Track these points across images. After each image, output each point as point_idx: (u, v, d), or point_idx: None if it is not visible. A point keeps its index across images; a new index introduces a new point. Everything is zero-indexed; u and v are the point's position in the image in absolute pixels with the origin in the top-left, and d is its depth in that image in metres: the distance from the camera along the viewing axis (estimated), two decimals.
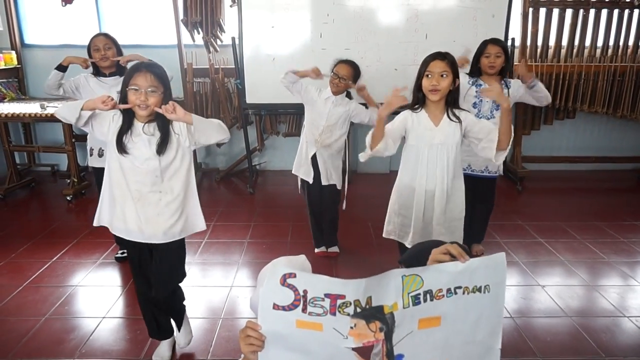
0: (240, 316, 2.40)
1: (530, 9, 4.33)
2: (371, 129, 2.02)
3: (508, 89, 2.73)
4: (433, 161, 2.00)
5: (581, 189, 4.50)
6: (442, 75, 1.90)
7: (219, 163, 4.94)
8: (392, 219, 2.20)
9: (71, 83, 2.78)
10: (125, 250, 2.96)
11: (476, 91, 2.72)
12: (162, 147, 1.79)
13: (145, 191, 1.82)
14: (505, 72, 2.76)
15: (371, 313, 0.99)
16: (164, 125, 1.81)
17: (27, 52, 4.72)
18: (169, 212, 1.86)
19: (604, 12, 4.37)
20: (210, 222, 3.53)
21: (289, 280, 0.97)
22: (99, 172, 2.74)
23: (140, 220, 1.84)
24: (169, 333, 2.11)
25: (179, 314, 2.13)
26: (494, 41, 2.71)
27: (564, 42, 4.47)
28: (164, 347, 2.11)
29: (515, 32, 4.29)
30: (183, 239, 1.96)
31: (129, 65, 2.41)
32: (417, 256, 1.15)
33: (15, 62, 4.58)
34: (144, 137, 1.80)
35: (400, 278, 1.00)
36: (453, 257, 1.04)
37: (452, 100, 2.00)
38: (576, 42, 4.45)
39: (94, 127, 1.85)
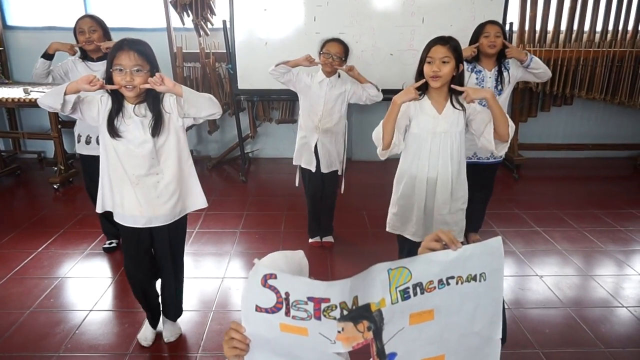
0: (233, 309, 2.34)
1: None
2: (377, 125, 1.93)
3: (507, 70, 2.66)
4: (436, 150, 1.91)
5: (578, 177, 4.46)
6: (443, 61, 1.79)
7: (210, 151, 4.83)
8: (393, 210, 2.09)
9: (59, 69, 2.67)
10: (113, 241, 2.88)
11: (476, 78, 2.65)
12: (156, 128, 1.75)
13: (142, 174, 1.78)
14: (504, 57, 2.67)
15: (358, 313, 0.92)
16: (155, 106, 1.75)
17: (10, 34, 4.55)
18: (168, 194, 1.83)
19: None
20: (201, 212, 3.45)
21: (270, 282, 0.89)
22: (86, 159, 2.71)
23: (141, 204, 1.81)
24: (156, 320, 2.11)
25: (175, 313, 2.13)
26: (493, 22, 2.65)
27: (563, 26, 4.38)
28: (149, 329, 2.10)
29: (513, 16, 4.20)
30: (184, 217, 1.95)
31: None
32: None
33: None
34: (135, 119, 1.74)
35: (386, 272, 0.92)
36: (445, 246, 0.96)
37: (453, 88, 1.88)
38: (575, 27, 4.37)
39: (83, 112, 1.78)
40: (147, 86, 1.65)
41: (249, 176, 4.36)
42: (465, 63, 2.34)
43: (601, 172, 4.57)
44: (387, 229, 2.12)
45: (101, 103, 1.76)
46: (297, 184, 2.92)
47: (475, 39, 2.66)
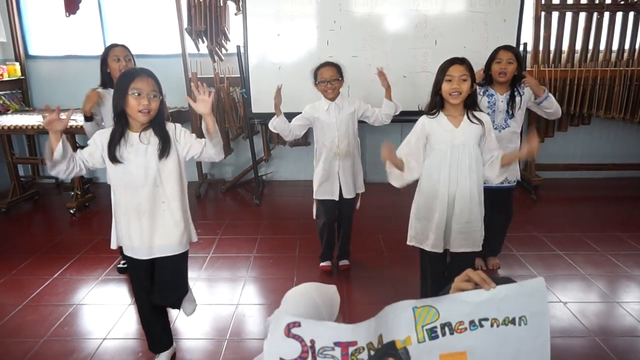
0: (247, 337, 2.29)
1: (543, 13, 4.22)
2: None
3: (521, 96, 2.63)
4: (456, 162, 2.01)
5: (598, 198, 4.35)
6: (462, 79, 1.96)
7: (224, 174, 4.85)
8: (413, 224, 2.19)
9: (102, 110, 2.65)
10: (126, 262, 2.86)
11: (488, 102, 2.61)
12: (164, 151, 1.76)
13: (149, 204, 1.78)
14: (517, 82, 2.62)
15: (384, 351, 0.88)
16: (161, 130, 1.78)
17: (31, 63, 4.68)
18: (174, 222, 1.83)
19: (619, 15, 4.24)
20: (215, 236, 3.43)
21: (294, 331, 0.86)
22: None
23: (146, 234, 1.80)
24: (167, 345, 2.08)
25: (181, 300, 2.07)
26: (507, 47, 2.60)
27: (578, 46, 4.34)
28: (162, 358, 2.06)
29: (527, 37, 4.18)
30: (186, 255, 1.93)
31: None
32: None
33: (19, 73, 4.54)
34: (139, 147, 1.76)
35: (411, 310, 0.89)
36: (476, 285, 0.92)
37: (471, 103, 2.04)
38: (590, 46, 4.33)
39: (87, 163, 1.81)
40: (192, 102, 1.80)
41: (263, 199, 4.35)
42: (477, 87, 2.46)
43: (622, 193, 4.45)
44: (408, 242, 2.20)
45: (97, 144, 1.78)
46: (315, 217, 2.84)
47: (489, 64, 2.63)
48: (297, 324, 0.85)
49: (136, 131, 1.77)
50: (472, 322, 0.90)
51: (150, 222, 1.79)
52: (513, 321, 0.91)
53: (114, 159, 1.74)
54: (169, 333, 2.09)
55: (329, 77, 2.52)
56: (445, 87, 1.97)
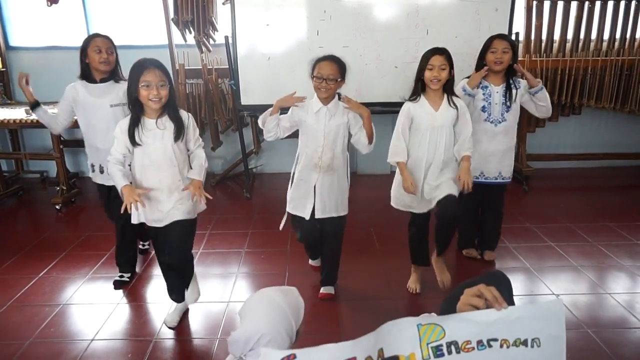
0: None
1: (535, 2, 4.18)
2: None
3: (517, 89, 2.59)
4: (434, 140, 2.33)
5: (589, 188, 4.37)
6: (442, 68, 2.24)
7: (214, 167, 4.77)
8: (394, 189, 2.50)
9: (66, 103, 2.52)
10: (124, 275, 2.72)
11: (483, 93, 2.58)
12: (179, 135, 2.03)
13: (167, 181, 2.05)
14: (513, 72, 2.58)
15: None
16: (175, 115, 2.04)
17: (12, 54, 4.54)
18: (186, 195, 2.08)
19: (610, 4, 4.22)
20: (205, 231, 3.38)
21: None
22: (102, 187, 2.65)
23: (164, 206, 2.07)
24: (180, 298, 2.32)
25: (189, 278, 2.33)
26: (501, 36, 2.56)
27: (569, 35, 4.32)
28: (174, 312, 2.33)
29: (519, 27, 4.14)
30: (194, 221, 2.22)
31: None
32: (449, 304, 1.01)
33: (0, 65, 4.41)
34: (157, 132, 2.01)
35: (415, 327, 0.85)
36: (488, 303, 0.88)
37: (449, 88, 2.32)
38: (582, 36, 4.30)
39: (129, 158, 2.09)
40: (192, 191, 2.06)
41: (254, 192, 4.30)
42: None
43: (613, 182, 4.47)
44: (392, 204, 2.51)
45: (121, 131, 2.03)
46: (280, 228, 2.44)
47: (483, 53, 2.58)
48: (291, 357, 0.81)
49: (152, 117, 2.01)
50: (480, 342, 0.86)
51: (168, 196, 2.06)
52: (525, 342, 0.86)
53: (133, 142, 1.99)
54: (181, 288, 2.33)
55: (326, 75, 2.13)
56: (427, 74, 2.26)
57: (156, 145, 2.01)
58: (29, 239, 3.34)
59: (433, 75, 2.24)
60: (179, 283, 2.31)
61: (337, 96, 2.25)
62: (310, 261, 2.77)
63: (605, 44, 4.34)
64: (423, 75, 2.27)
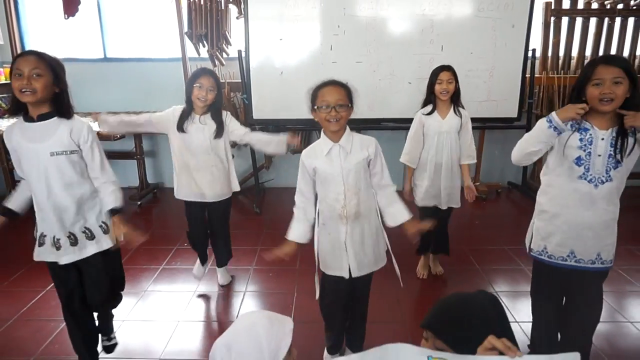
0: None
1: (552, 18, 4.12)
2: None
3: (635, 134, 1.69)
4: (441, 144, 2.66)
5: None
6: (449, 82, 2.57)
7: None
8: (415, 185, 2.81)
9: (14, 157, 1.79)
10: (114, 337, 2.21)
11: (580, 139, 1.73)
12: (218, 134, 2.50)
13: (202, 165, 2.51)
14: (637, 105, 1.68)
15: None
16: (217, 116, 2.49)
17: None
18: (221, 178, 2.58)
19: (631, 20, 4.14)
20: None
21: None
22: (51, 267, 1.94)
23: (200, 185, 2.54)
24: (205, 260, 2.89)
25: (225, 255, 2.86)
26: (610, 60, 1.66)
27: (588, 52, 4.24)
28: (200, 268, 2.88)
29: (536, 43, 4.08)
30: (230, 199, 2.71)
31: None
32: (440, 317, 1.05)
33: None
34: (199, 126, 2.47)
35: (425, 358, 0.84)
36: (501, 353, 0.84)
37: (455, 99, 2.64)
38: (601, 52, 4.22)
39: (155, 123, 2.55)
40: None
41: (263, 207, 4.26)
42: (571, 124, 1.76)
43: (634, 203, 4.33)
44: (418, 203, 2.78)
45: (171, 113, 2.52)
46: (317, 297, 2.01)
47: (581, 85, 1.70)
48: None
49: (198, 114, 2.47)
50: None
51: (202, 177, 2.52)
52: None
53: (180, 128, 2.45)
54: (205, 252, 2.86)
55: (334, 101, 1.73)
56: (437, 87, 2.59)
57: (197, 136, 2.46)
58: None
59: (442, 88, 2.58)
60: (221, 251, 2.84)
61: (347, 127, 1.84)
62: (330, 359, 2.13)
63: None
64: (433, 89, 2.61)
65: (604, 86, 1.62)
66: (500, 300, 1.10)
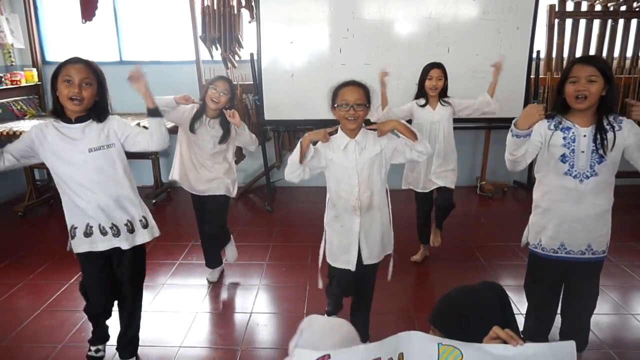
0: (261, 346, 2.31)
1: (556, 20, 4.20)
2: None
3: (614, 130, 1.77)
4: (434, 133, 2.88)
5: (612, 206, 4.30)
6: (439, 79, 2.80)
7: None
8: (405, 173, 3.07)
9: (21, 143, 1.83)
10: (99, 347, 2.19)
11: (564, 138, 1.81)
12: (223, 139, 2.61)
13: (208, 162, 2.66)
14: (607, 109, 1.79)
15: None
16: (224, 122, 2.58)
17: (48, 69, 4.75)
18: (221, 174, 2.67)
19: (634, 21, 4.21)
20: None
21: None
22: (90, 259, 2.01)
23: (202, 179, 2.67)
24: (218, 263, 3.00)
25: (225, 242, 2.99)
26: (586, 60, 1.78)
27: (591, 53, 4.31)
28: (215, 272, 2.98)
29: (540, 45, 4.16)
30: (226, 197, 2.75)
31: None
32: (446, 314, 1.09)
33: (36, 79, 4.63)
34: (207, 128, 2.58)
35: (436, 345, 0.92)
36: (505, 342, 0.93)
37: (443, 93, 2.87)
38: (604, 53, 4.30)
39: (172, 115, 2.52)
40: (225, 114, 2.54)
41: (275, 205, 4.38)
42: (545, 121, 1.86)
43: (635, 201, 4.40)
44: (402, 186, 3.06)
45: (187, 109, 2.58)
46: (320, 286, 2.21)
47: (561, 85, 1.80)
48: (326, 357, 0.88)
49: (209, 116, 2.57)
50: None
51: (206, 173, 2.65)
52: None
53: (191, 128, 2.55)
54: (218, 257, 3.00)
55: (353, 100, 1.85)
56: (427, 83, 2.82)
57: (205, 137, 2.58)
58: (61, 245, 3.43)
59: (432, 84, 2.80)
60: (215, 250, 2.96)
61: (363, 126, 1.97)
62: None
63: (628, 62, 4.32)
64: (424, 84, 2.84)
65: (579, 83, 1.71)
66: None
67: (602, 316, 2.51)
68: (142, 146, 1.91)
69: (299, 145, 1.88)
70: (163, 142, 1.91)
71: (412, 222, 3.16)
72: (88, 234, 1.91)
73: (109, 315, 2.13)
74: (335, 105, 1.90)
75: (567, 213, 1.88)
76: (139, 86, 1.88)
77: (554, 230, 1.91)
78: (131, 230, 1.95)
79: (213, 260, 2.98)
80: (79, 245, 1.94)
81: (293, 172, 1.91)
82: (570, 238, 1.91)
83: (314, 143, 1.93)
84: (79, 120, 1.82)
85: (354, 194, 1.94)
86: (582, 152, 1.79)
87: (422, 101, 2.90)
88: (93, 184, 1.84)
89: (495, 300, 1.09)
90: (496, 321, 0.98)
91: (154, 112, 1.90)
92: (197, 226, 2.90)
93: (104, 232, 1.91)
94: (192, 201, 2.82)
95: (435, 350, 0.91)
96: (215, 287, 2.89)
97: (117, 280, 2.05)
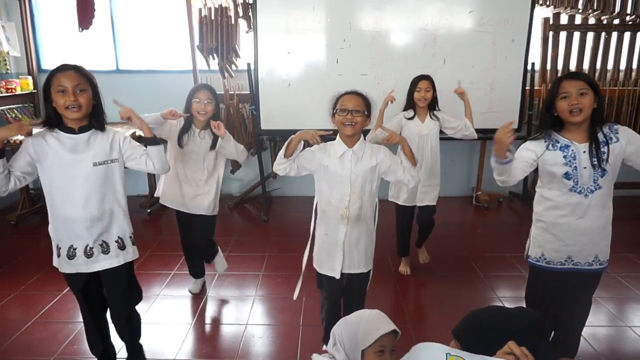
0: (257, 359, 2.28)
1: (551, 33, 4.25)
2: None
3: (609, 142, 1.79)
4: (422, 146, 2.90)
5: None
6: (427, 90, 2.84)
7: (232, 189, 4.87)
8: (390, 187, 3.04)
9: (22, 161, 1.77)
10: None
11: (564, 156, 1.82)
12: (214, 145, 2.55)
13: (197, 175, 2.59)
14: (599, 121, 1.81)
15: None
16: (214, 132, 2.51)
17: (44, 77, 4.67)
18: (209, 191, 2.62)
19: (627, 35, 4.27)
20: (223, 253, 3.42)
21: None
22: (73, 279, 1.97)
23: (189, 196, 2.60)
24: (200, 274, 2.93)
25: (212, 256, 2.95)
26: (574, 75, 1.83)
27: (586, 65, 4.37)
28: (197, 283, 2.92)
29: (535, 57, 4.20)
30: (213, 217, 2.72)
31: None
32: (471, 329, 1.07)
33: (31, 87, 4.61)
34: (197, 140, 2.55)
35: (444, 355, 0.90)
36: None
37: (432, 106, 2.91)
38: (598, 66, 4.35)
39: (159, 130, 2.44)
40: (212, 125, 2.48)
41: (271, 215, 4.36)
42: (542, 141, 1.89)
43: (630, 212, 4.43)
44: (389, 198, 3.05)
45: (173, 124, 2.53)
46: (295, 297, 2.22)
47: (549, 102, 1.83)
48: None
49: (199, 127, 2.54)
50: None
51: (188, 188, 2.60)
52: None
53: (179, 142, 2.51)
54: (202, 267, 2.95)
55: (352, 106, 1.89)
56: (416, 95, 2.86)
57: (195, 150, 2.55)
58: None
59: (421, 95, 2.85)
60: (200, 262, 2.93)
61: (362, 136, 1.99)
62: (324, 347, 2.21)
63: (622, 74, 4.37)
64: (413, 96, 2.87)
65: (571, 98, 1.74)
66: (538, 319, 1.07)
67: (598, 328, 2.51)
68: (143, 168, 1.94)
69: (288, 140, 1.94)
70: (165, 167, 1.98)
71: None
72: (71, 256, 1.86)
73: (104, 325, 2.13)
74: (335, 112, 1.94)
75: (572, 227, 1.88)
76: (134, 121, 1.98)
77: (559, 244, 1.92)
78: (122, 247, 1.92)
79: (196, 269, 2.92)
80: (64, 265, 1.90)
81: (280, 164, 1.99)
82: (577, 251, 1.91)
83: (309, 145, 1.96)
84: (82, 129, 1.79)
85: (344, 202, 1.96)
86: (585, 168, 1.80)
87: (410, 113, 2.91)
88: (90, 198, 1.80)
89: (528, 324, 1.05)
90: (524, 346, 0.94)
91: (153, 141, 1.92)
92: (180, 238, 2.82)
93: (88, 254, 1.85)
94: (176, 217, 2.74)
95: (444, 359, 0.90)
96: (210, 298, 2.86)
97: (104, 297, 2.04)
